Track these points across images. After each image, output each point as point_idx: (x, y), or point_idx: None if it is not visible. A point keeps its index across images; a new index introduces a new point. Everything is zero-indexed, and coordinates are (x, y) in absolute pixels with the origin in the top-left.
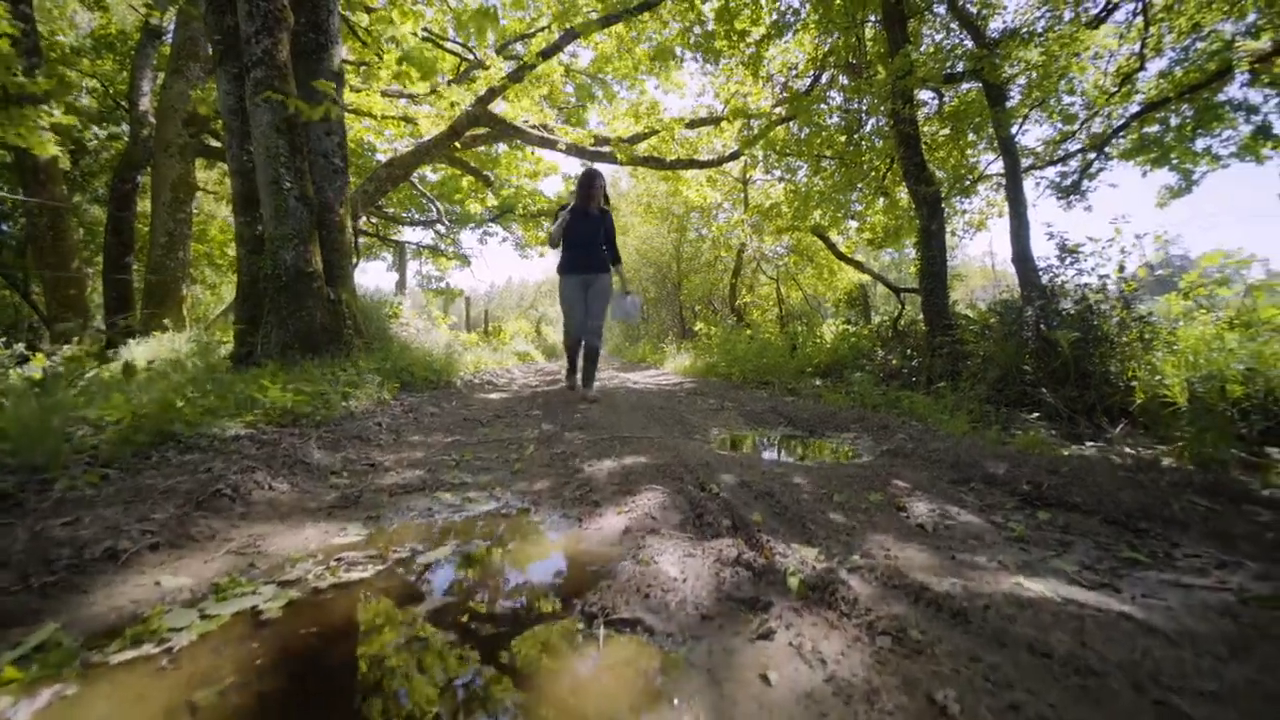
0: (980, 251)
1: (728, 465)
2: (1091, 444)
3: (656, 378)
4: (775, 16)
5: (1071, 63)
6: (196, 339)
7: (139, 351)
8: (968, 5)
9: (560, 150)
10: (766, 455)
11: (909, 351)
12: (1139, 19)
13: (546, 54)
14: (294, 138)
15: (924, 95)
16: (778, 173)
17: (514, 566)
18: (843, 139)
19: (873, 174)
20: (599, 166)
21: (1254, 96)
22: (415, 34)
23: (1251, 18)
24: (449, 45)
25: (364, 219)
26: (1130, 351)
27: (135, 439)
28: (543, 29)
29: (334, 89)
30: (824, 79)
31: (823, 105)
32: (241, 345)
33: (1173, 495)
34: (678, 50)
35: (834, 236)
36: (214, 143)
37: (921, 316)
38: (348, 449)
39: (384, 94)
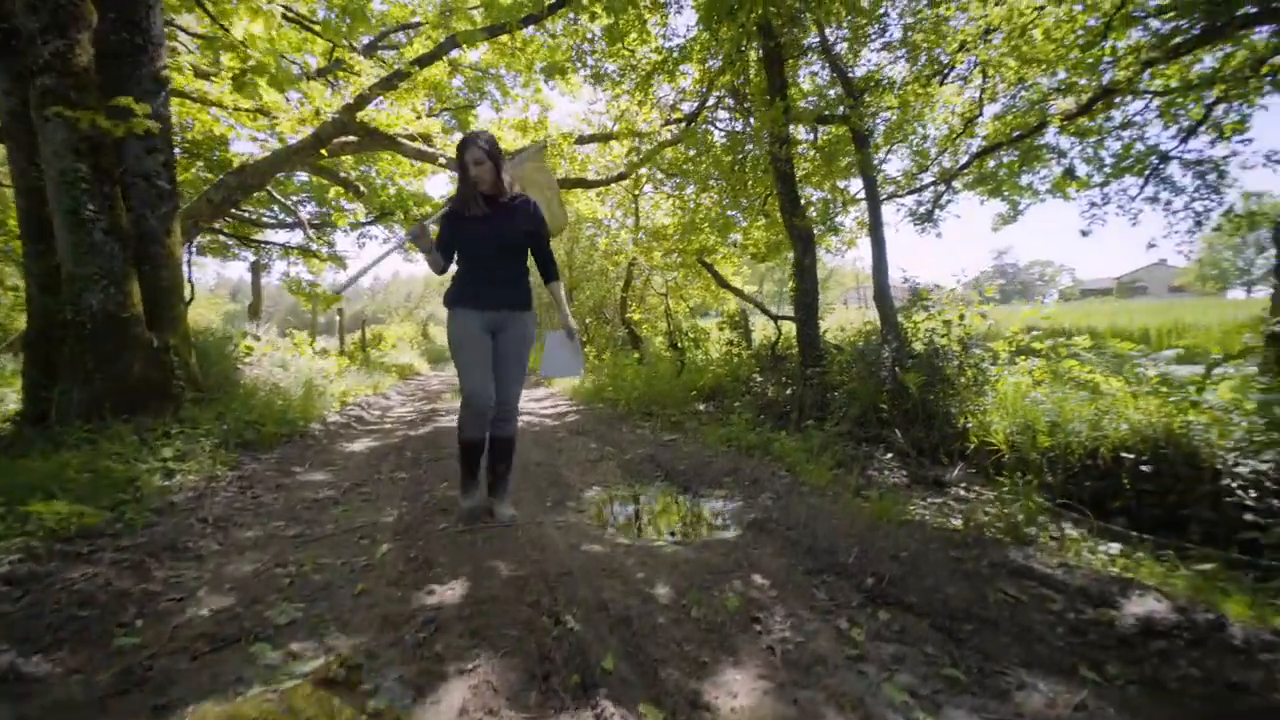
0: (852, 257)
1: (590, 570)
2: (932, 499)
3: (543, 403)
4: (661, 40)
5: (923, 112)
6: None
7: None
8: (838, 45)
9: (441, 165)
10: (632, 544)
11: (784, 379)
12: (976, 68)
13: (423, 62)
14: (100, 159)
15: (800, 132)
16: (668, 187)
17: None
18: (729, 159)
19: (755, 197)
20: None
21: (1064, 143)
22: (269, 36)
23: (1061, 74)
24: (318, 28)
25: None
26: (966, 394)
27: None
28: (426, 23)
29: (152, 105)
30: (711, 101)
31: (709, 126)
32: (34, 403)
33: (990, 584)
34: (568, 68)
35: (719, 253)
36: None
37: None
38: (153, 571)
39: (235, 79)
